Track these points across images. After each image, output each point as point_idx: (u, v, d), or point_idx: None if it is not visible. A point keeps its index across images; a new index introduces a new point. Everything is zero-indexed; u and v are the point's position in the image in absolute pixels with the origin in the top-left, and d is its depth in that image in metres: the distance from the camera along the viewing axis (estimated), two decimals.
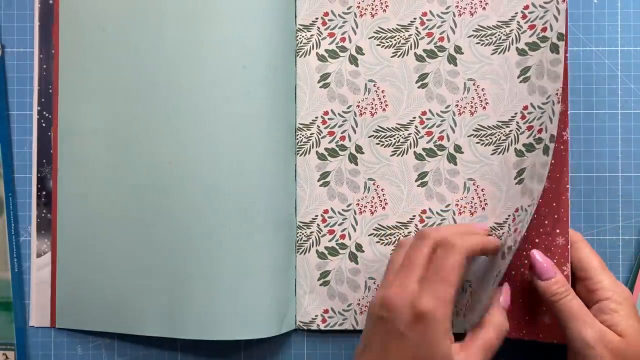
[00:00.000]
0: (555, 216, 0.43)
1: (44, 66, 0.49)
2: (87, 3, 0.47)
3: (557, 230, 0.43)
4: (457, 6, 0.46)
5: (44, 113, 0.49)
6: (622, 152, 0.48)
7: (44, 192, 0.48)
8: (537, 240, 0.43)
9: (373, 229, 0.47)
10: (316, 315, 0.47)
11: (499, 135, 0.46)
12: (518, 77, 0.45)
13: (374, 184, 0.47)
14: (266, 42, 0.45)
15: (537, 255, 0.42)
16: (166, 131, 0.45)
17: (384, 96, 0.47)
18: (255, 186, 0.45)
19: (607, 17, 0.49)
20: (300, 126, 0.47)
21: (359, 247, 0.47)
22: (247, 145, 0.45)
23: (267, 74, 0.45)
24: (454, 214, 0.46)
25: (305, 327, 0.47)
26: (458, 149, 0.46)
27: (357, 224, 0.47)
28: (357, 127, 0.47)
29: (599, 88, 0.49)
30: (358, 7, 0.47)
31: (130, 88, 0.46)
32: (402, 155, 0.47)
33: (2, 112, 0.49)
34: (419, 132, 0.47)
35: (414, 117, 0.47)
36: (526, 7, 0.45)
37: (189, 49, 0.45)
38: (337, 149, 0.47)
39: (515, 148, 0.45)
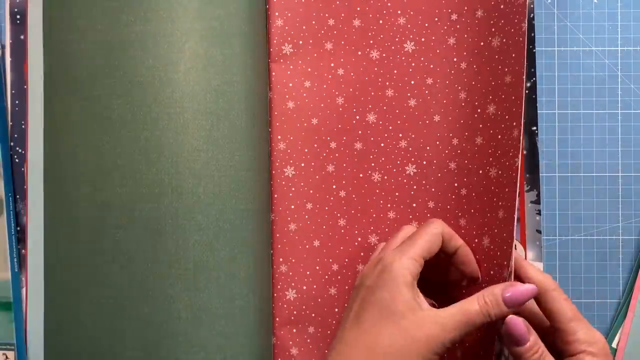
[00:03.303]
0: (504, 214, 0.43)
1: (17, 102, 0.49)
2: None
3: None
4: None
5: (17, 149, 0.49)
6: (622, 152, 0.48)
7: (18, 228, 0.49)
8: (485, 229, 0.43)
9: None
10: None
11: None
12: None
13: None
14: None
15: (512, 320, 0.38)
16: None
17: None
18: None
19: (607, 17, 0.49)
20: None
21: None
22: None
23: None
24: None
25: None
26: None
27: None
28: None
29: (599, 88, 0.49)
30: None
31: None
32: None
33: (2, 112, 0.49)
34: None
35: None
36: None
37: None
38: None
39: None
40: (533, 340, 0.39)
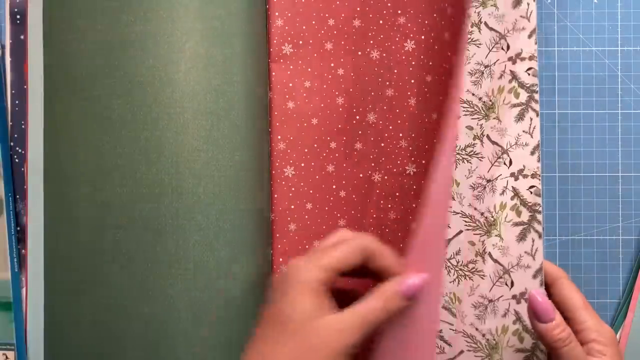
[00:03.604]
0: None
1: (17, 102, 0.49)
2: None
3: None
4: None
5: (17, 149, 0.49)
6: (622, 152, 0.48)
7: (18, 228, 0.49)
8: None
9: None
10: None
11: None
12: None
13: None
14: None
15: (536, 295, 0.39)
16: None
17: None
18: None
19: (607, 17, 0.49)
20: None
21: None
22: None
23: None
24: None
25: None
26: None
27: None
28: None
29: (599, 88, 0.49)
30: None
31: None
32: None
33: (2, 112, 0.49)
34: None
35: None
36: None
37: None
38: None
39: None
40: (559, 319, 0.39)
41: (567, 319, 0.41)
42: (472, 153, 0.46)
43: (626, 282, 0.48)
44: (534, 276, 0.43)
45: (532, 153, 0.44)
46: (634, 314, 0.47)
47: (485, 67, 0.45)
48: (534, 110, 0.44)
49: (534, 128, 0.44)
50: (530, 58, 0.44)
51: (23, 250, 0.48)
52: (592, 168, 0.49)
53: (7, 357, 0.48)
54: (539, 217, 0.43)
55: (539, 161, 0.43)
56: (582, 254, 0.49)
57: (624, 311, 0.48)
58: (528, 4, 0.44)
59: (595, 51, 0.49)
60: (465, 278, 0.45)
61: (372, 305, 0.37)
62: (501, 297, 0.44)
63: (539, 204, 0.43)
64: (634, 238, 0.48)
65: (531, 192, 0.44)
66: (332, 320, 0.36)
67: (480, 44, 0.45)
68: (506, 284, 0.44)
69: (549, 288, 0.41)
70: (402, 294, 0.38)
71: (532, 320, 0.40)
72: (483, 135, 0.45)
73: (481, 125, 0.45)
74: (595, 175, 0.49)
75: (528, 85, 0.44)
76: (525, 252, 0.43)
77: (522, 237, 0.44)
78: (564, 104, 0.49)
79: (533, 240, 0.43)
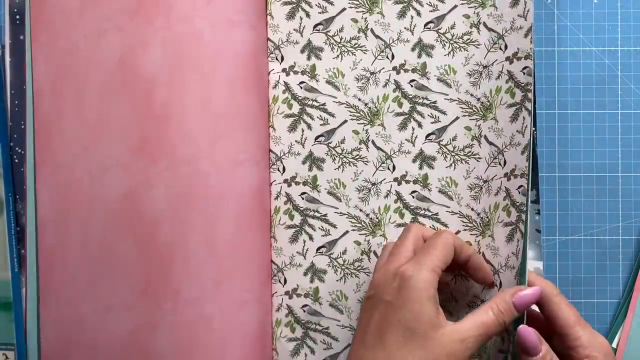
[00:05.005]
0: None
1: (16, 102, 0.49)
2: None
3: None
4: None
5: (17, 149, 0.49)
6: (622, 152, 0.48)
7: (18, 228, 0.49)
8: None
9: None
10: None
11: None
12: None
13: None
14: None
15: (524, 331, 0.39)
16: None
17: None
18: None
19: (607, 17, 0.49)
20: None
21: None
22: None
23: None
24: None
25: None
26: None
27: None
28: None
29: (599, 88, 0.49)
30: None
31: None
32: None
33: (2, 112, 0.49)
34: None
35: None
36: None
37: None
38: None
39: None
40: (545, 350, 0.39)
41: (561, 335, 0.41)
42: (470, 154, 0.46)
43: (626, 282, 0.48)
44: (516, 277, 0.43)
45: (523, 152, 0.44)
46: (634, 314, 0.47)
47: (484, 67, 0.45)
48: (526, 109, 0.44)
49: (525, 127, 0.44)
50: (526, 57, 0.44)
51: (23, 250, 0.48)
52: (592, 168, 0.49)
53: (7, 357, 0.48)
54: (524, 216, 0.43)
55: (527, 160, 0.44)
56: (582, 254, 0.48)
57: (624, 311, 0.48)
58: (525, 3, 0.44)
59: (595, 51, 0.49)
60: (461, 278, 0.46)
61: (490, 317, 0.39)
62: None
63: (524, 204, 0.44)
64: (634, 238, 0.48)
65: (519, 192, 0.44)
66: (455, 331, 0.38)
67: (479, 45, 0.45)
68: (496, 285, 0.44)
69: (541, 305, 0.41)
70: (516, 304, 0.39)
71: (521, 353, 0.40)
72: (481, 136, 0.45)
73: (479, 125, 0.45)
74: (595, 175, 0.49)
75: (523, 84, 0.44)
76: (512, 252, 0.44)
77: (510, 238, 0.44)
78: (564, 104, 0.49)
79: (518, 241, 0.43)
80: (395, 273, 0.40)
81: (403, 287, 0.39)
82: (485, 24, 0.45)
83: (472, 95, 0.46)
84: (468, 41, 0.46)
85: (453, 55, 0.46)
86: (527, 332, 0.39)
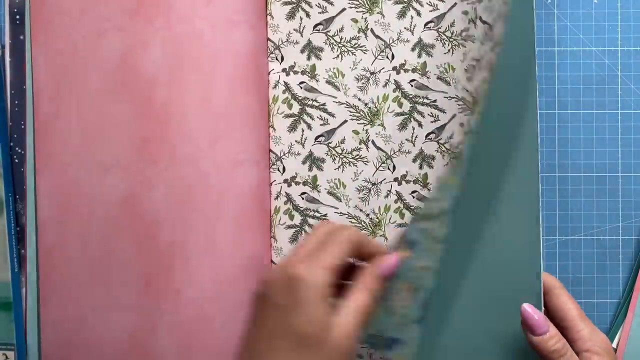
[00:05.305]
0: None
1: (16, 102, 0.49)
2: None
3: None
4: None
5: (17, 149, 0.48)
6: (622, 152, 0.48)
7: (18, 228, 0.49)
8: None
9: None
10: None
11: None
12: None
13: None
14: None
15: (528, 308, 0.39)
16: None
17: None
18: None
19: (607, 17, 0.49)
20: None
21: None
22: None
23: None
24: None
25: None
26: None
27: None
28: None
29: (599, 88, 0.49)
30: None
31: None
32: None
33: (2, 112, 0.49)
34: None
35: None
36: None
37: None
38: None
39: None
40: (553, 330, 0.39)
41: (562, 328, 0.40)
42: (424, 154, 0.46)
43: (626, 282, 0.48)
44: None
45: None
46: (634, 314, 0.47)
47: (477, 61, 0.45)
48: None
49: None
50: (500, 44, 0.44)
51: (23, 250, 0.48)
52: (592, 168, 0.49)
53: (7, 357, 0.48)
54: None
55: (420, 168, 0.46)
56: (582, 254, 0.48)
57: (624, 311, 0.48)
58: None
59: (595, 51, 0.49)
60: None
61: (362, 297, 0.38)
62: None
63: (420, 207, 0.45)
64: (634, 238, 0.48)
65: (413, 197, 0.46)
66: (341, 329, 0.37)
67: (475, 40, 0.45)
68: None
69: (543, 298, 0.41)
70: (382, 275, 0.39)
71: (526, 333, 0.39)
72: (473, 132, 0.45)
73: (468, 120, 0.46)
74: (595, 175, 0.49)
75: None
76: None
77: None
78: (564, 104, 0.49)
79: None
80: (285, 272, 0.37)
81: (293, 289, 0.36)
82: (480, 18, 0.45)
83: (467, 91, 0.46)
84: (466, 37, 0.46)
85: (452, 53, 0.46)
86: (528, 308, 0.39)
